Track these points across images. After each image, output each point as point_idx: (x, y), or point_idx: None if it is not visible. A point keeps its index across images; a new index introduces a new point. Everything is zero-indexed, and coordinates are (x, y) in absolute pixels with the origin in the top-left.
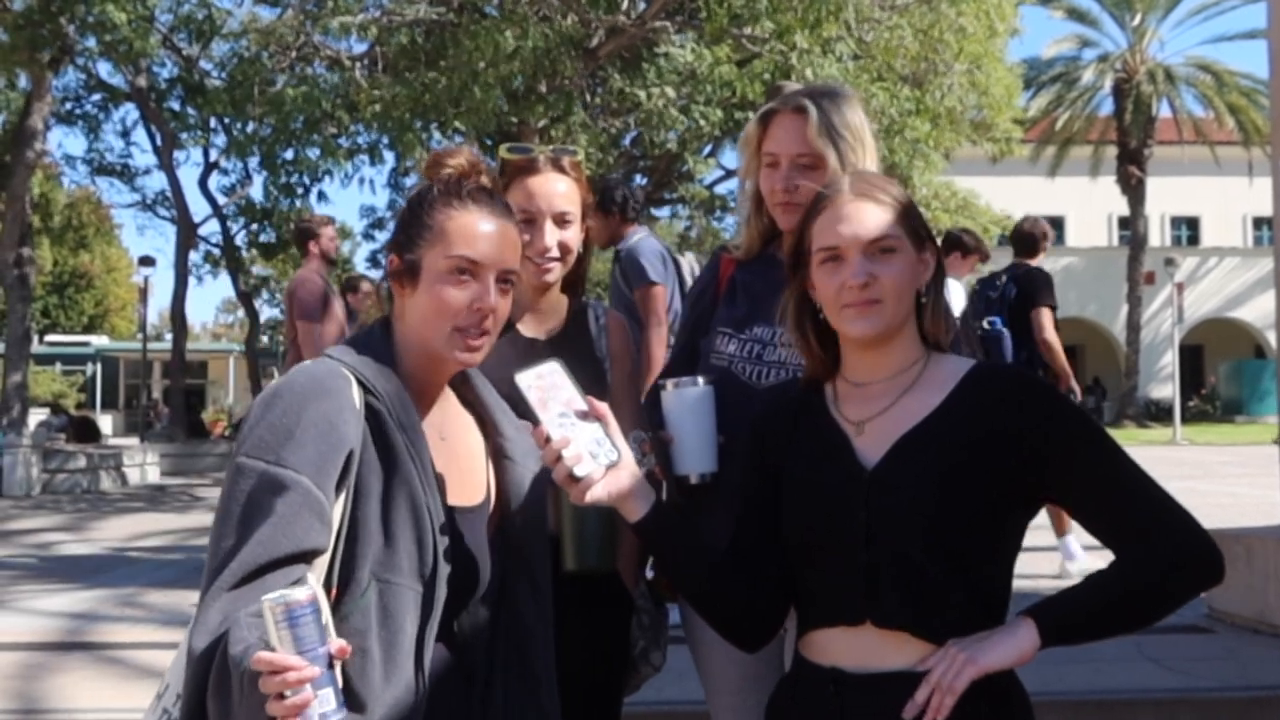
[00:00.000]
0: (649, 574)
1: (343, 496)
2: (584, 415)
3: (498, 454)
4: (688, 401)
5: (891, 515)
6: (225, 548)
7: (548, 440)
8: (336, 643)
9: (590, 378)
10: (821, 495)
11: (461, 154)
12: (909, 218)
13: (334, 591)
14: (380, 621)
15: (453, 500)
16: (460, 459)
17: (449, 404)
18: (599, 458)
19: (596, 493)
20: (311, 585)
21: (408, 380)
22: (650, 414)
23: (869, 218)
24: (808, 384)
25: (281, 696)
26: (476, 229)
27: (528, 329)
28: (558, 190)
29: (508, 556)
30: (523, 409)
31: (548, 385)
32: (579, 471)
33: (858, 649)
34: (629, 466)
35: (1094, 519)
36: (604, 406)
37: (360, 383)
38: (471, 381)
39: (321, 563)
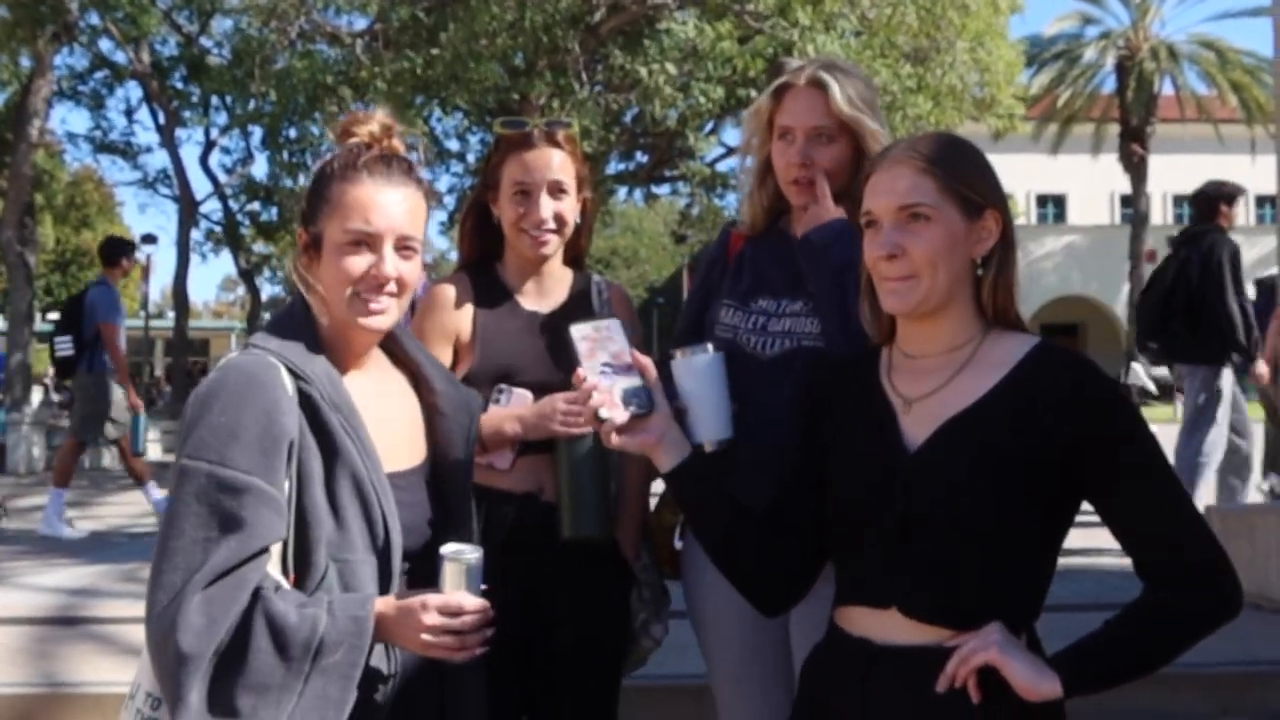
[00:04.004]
0: (678, 541)
1: (287, 485)
2: (628, 368)
3: (430, 410)
4: (698, 369)
5: (928, 504)
6: (180, 548)
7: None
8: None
9: None
10: (861, 476)
11: (374, 119)
12: (958, 182)
13: (292, 577)
14: None
15: (392, 465)
16: (395, 422)
17: (379, 367)
18: (631, 406)
19: (625, 440)
20: (480, 548)
21: (331, 353)
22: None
23: (900, 183)
24: (871, 350)
25: (451, 634)
26: (370, 199)
27: (529, 302)
28: (552, 162)
29: (438, 511)
30: (572, 358)
31: (601, 338)
32: (603, 414)
33: (887, 625)
34: (661, 419)
35: (1124, 531)
36: (647, 360)
37: (289, 369)
38: (400, 340)
39: (277, 550)
